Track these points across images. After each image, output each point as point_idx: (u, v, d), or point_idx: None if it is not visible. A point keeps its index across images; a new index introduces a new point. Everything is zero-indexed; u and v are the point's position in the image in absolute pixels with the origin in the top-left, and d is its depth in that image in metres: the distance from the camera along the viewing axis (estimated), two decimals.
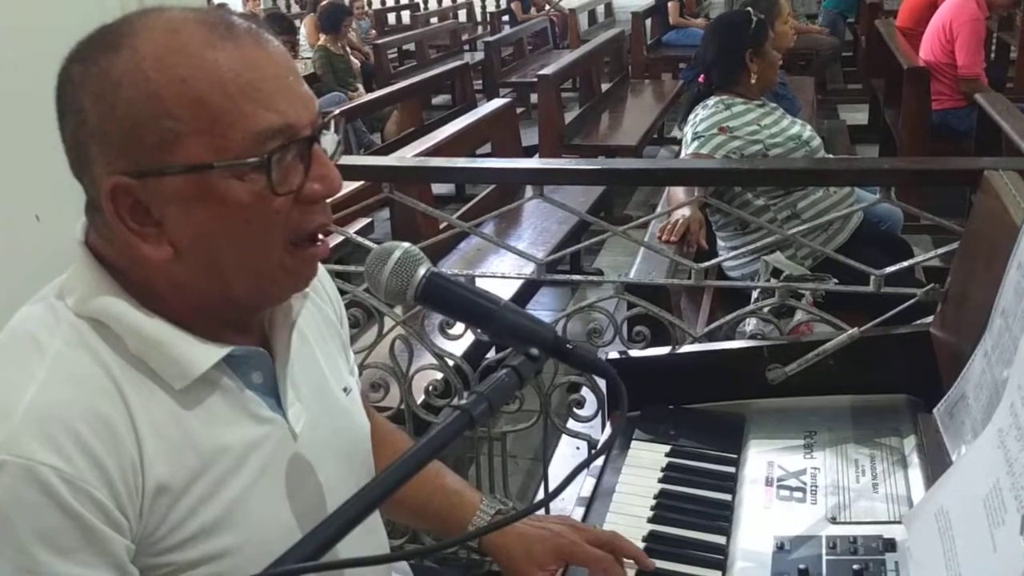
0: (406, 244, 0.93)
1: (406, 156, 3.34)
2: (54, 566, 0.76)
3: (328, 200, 0.88)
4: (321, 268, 1.13)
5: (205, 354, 0.87)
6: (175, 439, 0.84)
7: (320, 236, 0.89)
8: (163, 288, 0.86)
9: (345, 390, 1.07)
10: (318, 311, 1.07)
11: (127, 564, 0.81)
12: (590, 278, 2.16)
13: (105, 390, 0.82)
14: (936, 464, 1.15)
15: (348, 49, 7.23)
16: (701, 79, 3.00)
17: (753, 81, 2.88)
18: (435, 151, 3.61)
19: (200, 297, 0.87)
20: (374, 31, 9.55)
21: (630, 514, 1.23)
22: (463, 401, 0.82)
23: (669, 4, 8.57)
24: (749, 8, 2.95)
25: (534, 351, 0.87)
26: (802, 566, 1.06)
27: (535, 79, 5.57)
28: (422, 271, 0.92)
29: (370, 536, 1.06)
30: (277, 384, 0.94)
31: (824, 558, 1.08)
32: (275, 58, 0.83)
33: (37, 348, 0.82)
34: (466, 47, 10.06)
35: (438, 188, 4.89)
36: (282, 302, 0.94)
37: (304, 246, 0.87)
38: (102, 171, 0.81)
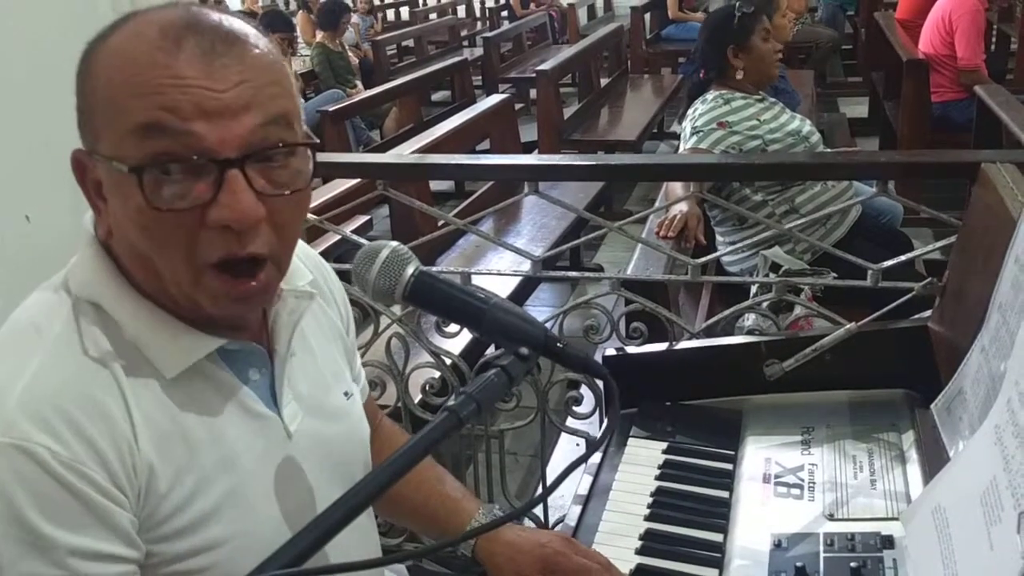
0: (394, 243, 0.93)
1: (403, 153, 3.33)
2: (63, 539, 0.78)
3: (241, 231, 0.82)
4: (330, 270, 1.13)
5: (196, 345, 0.87)
6: (166, 430, 0.85)
7: (242, 270, 0.84)
8: (137, 273, 0.87)
9: (346, 394, 1.07)
10: (323, 313, 1.07)
11: (134, 536, 0.82)
12: (586, 274, 2.15)
13: (100, 376, 0.83)
14: (934, 460, 1.14)
15: (346, 46, 7.21)
16: (702, 74, 2.99)
17: (740, 77, 2.87)
18: (433, 147, 3.60)
19: (152, 287, 0.87)
20: (373, 29, 9.52)
21: (627, 512, 1.22)
22: (451, 402, 0.81)
23: None
24: (736, 2, 2.94)
25: (524, 351, 0.86)
26: (799, 564, 1.05)
27: (534, 74, 5.56)
28: (410, 270, 0.91)
29: (361, 538, 1.06)
30: (274, 382, 0.94)
31: (822, 555, 1.07)
32: (218, 73, 0.80)
33: (37, 332, 0.84)
34: (465, 43, 10.03)
35: (437, 184, 4.88)
36: (225, 317, 0.89)
37: (215, 273, 0.83)
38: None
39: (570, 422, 2.03)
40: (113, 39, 0.83)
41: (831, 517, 1.14)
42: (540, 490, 2.12)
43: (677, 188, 2.72)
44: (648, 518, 1.22)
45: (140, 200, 0.79)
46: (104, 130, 0.82)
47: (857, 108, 6.73)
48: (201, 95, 0.79)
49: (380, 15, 10.65)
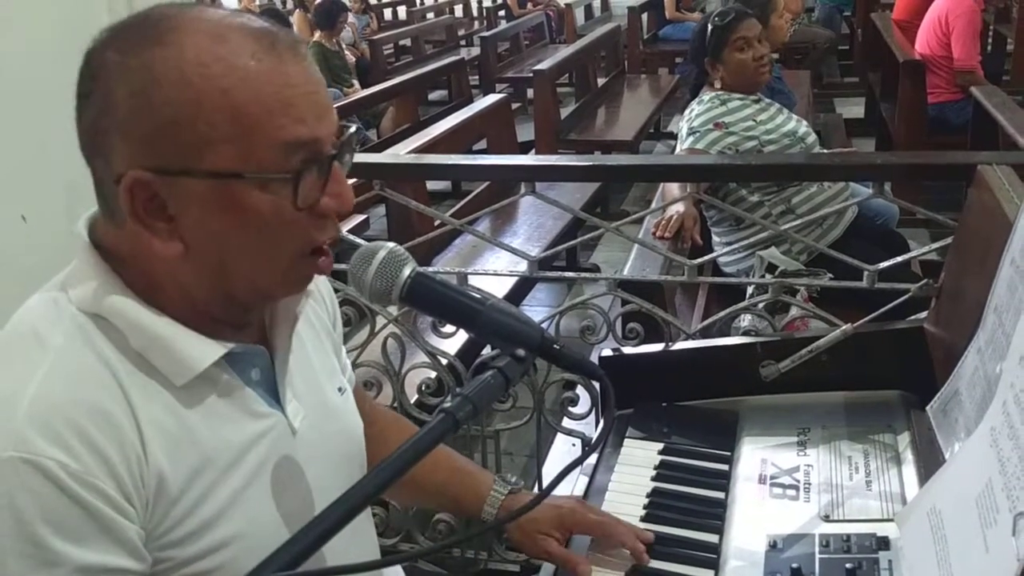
0: (391, 244, 0.93)
1: (400, 152, 3.33)
2: (72, 554, 0.77)
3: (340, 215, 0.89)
4: None
5: (206, 351, 0.87)
6: (176, 435, 0.85)
7: (326, 250, 0.90)
8: (164, 282, 0.87)
9: (340, 390, 1.07)
10: (312, 311, 1.08)
11: (141, 549, 0.82)
12: (583, 275, 2.15)
13: (106, 386, 0.82)
14: (929, 462, 1.14)
15: (343, 45, 7.22)
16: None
17: (718, 86, 2.88)
18: (430, 147, 3.61)
19: (200, 294, 0.87)
20: (369, 28, 9.52)
21: (623, 513, 1.22)
22: (447, 404, 0.81)
23: None
24: (718, 15, 2.95)
25: (520, 352, 0.86)
26: (795, 565, 1.05)
27: (531, 74, 5.57)
28: (407, 271, 0.91)
29: (359, 538, 1.06)
30: (275, 381, 0.95)
31: (817, 557, 1.07)
32: (309, 74, 0.85)
33: (39, 343, 0.83)
34: (462, 42, 10.03)
35: (434, 184, 4.88)
36: (276, 301, 0.95)
37: (310, 258, 0.88)
38: (122, 161, 0.81)
39: (566, 423, 2.03)
40: (190, 49, 0.80)
41: (827, 518, 1.14)
42: (536, 491, 2.12)
43: (674, 189, 2.73)
44: (644, 519, 1.22)
45: (284, 204, 0.82)
46: (216, 144, 0.80)
47: (853, 109, 6.74)
48: (312, 99, 0.84)
49: (377, 14, 10.66)
